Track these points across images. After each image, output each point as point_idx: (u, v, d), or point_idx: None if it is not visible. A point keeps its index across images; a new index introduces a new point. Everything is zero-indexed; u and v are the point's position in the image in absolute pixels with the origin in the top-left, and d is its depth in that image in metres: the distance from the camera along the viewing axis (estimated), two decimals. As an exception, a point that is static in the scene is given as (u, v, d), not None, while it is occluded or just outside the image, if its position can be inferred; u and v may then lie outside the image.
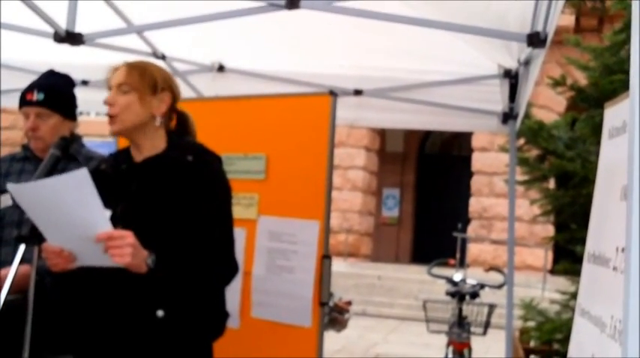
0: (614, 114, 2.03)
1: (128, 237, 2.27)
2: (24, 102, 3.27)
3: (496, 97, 4.95)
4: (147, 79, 2.60)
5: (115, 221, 2.32)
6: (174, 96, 2.70)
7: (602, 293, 1.89)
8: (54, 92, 3.29)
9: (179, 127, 2.78)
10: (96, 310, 2.57)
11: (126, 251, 2.25)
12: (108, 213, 2.30)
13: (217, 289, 2.67)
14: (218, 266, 2.56)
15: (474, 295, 6.34)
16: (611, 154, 2.02)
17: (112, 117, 2.57)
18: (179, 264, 2.42)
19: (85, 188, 2.20)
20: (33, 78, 3.42)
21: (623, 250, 1.69)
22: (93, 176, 2.25)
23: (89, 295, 2.59)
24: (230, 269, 2.60)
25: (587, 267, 2.12)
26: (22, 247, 2.54)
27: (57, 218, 2.30)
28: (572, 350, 2.17)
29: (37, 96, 3.23)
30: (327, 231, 3.86)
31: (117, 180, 2.62)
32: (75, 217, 2.27)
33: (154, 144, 2.64)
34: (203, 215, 2.52)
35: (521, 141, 6.72)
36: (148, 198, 2.54)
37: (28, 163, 3.33)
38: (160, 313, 2.47)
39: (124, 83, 2.57)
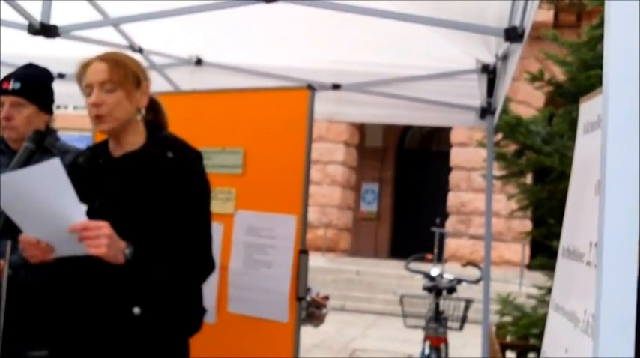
0: (589, 109, 2.04)
1: (104, 227, 2.26)
2: (0, 91, 3.24)
3: (474, 92, 4.97)
4: (131, 74, 2.56)
5: (92, 216, 2.30)
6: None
7: (576, 288, 1.90)
8: (31, 82, 3.26)
9: (153, 115, 2.75)
10: (72, 306, 2.55)
11: (102, 241, 2.24)
12: (84, 207, 2.29)
13: (194, 286, 2.66)
14: (195, 263, 2.55)
15: (451, 290, 6.37)
16: (586, 149, 2.03)
17: (100, 117, 2.52)
18: (157, 258, 2.41)
19: (57, 178, 2.19)
20: (9, 71, 3.39)
21: (596, 245, 1.69)
22: (70, 170, 2.23)
23: (66, 291, 2.57)
24: (207, 266, 2.61)
25: (561, 262, 2.13)
26: (-6, 242, 2.52)
27: (31, 209, 2.29)
28: (546, 344, 2.17)
29: (13, 85, 3.21)
30: (304, 225, 3.86)
31: (94, 174, 2.60)
32: (49, 208, 2.26)
33: (134, 138, 2.61)
34: (181, 212, 2.51)
35: (499, 136, 6.74)
36: (126, 194, 2.52)
37: (2, 156, 3.30)
38: (137, 310, 2.45)
39: (108, 81, 2.50)
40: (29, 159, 2.61)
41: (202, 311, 2.72)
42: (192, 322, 2.68)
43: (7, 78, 3.26)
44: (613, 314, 1.02)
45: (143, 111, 2.62)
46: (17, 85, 3.21)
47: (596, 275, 1.06)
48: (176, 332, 2.62)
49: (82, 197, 2.29)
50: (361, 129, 21.23)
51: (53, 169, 2.18)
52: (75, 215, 2.26)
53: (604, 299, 1.02)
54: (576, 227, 1.99)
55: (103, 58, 2.57)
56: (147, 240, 2.41)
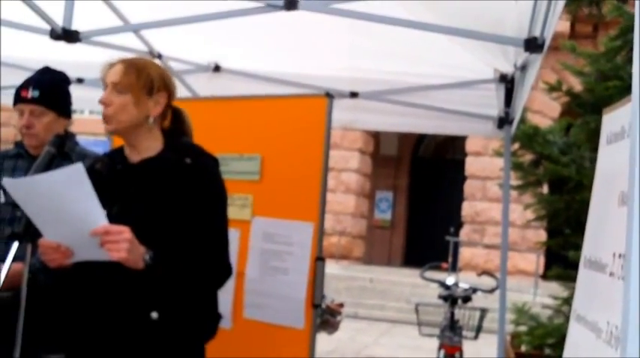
0: (612, 120, 2.03)
1: (125, 232, 2.27)
2: (19, 99, 3.24)
3: (492, 102, 4.95)
4: (143, 80, 2.55)
5: (111, 222, 2.31)
6: (170, 95, 2.66)
7: (599, 299, 1.89)
8: (49, 89, 3.26)
9: (174, 124, 2.76)
10: (90, 310, 2.55)
11: (122, 246, 2.25)
12: (105, 212, 2.30)
13: (211, 291, 2.66)
14: (212, 268, 2.56)
15: (467, 299, 6.36)
16: (609, 160, 2.02)
17: (106, 117, 2.54)
18: (175, 263, 2.42)
19: (80, 183, 2.21)
20: (29, 75, 3.39)
21: (620, 256, 1.68)
22: (88, 175, 2.24)
23: (84, 295, 2.57)
24: (224, 271, 2.61)
25: (583, 273, 2.12)
26: (15, 245, 2.52)
27: (53, 213, 2.30)
28: (567, 355, 2.16)
29: (32, 93, 3.20)
30: (321, 233, 3.86)
31: (112, 180, 2.61)
32: (71, 212, 2.27)
33: (150, 144, 2.61)
34: (198, 218, 2.51)
35: (516, 145, 6.72)
36: (144, 200, 2.53)
37: (22, 160, 3.31)
38: (154, 315, 2.46)
39: (120, 83, 2.52)
40: (50, 163, 2.62)
41: (218, 317, 2.72)
42: (208, 328, 2.69)
43: (25, 85, 3.24)
44: (640, 325, 1.01)
45: (151, 120, 2.60)
46: (36, 93, 3.20)
47: (622, 286, 1.05)
48: (192, 338, 2.62)
49: (101, 202, 2.30)
50: (376, 137, 21.23)
51: (76, 174, 2.20)
52: (96, 219, 2.27)
53: (632, 310, 1.01)
54: (599, 238, 1.98)
55: (125, 60, 2.60)
56: (164, 245, 2.42)
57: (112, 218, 2.34)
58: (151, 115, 2.59)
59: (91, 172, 2.53)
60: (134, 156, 2.63)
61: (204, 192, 2.56)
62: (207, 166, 2.63)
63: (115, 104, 2.52)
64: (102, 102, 2.53)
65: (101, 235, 2.26)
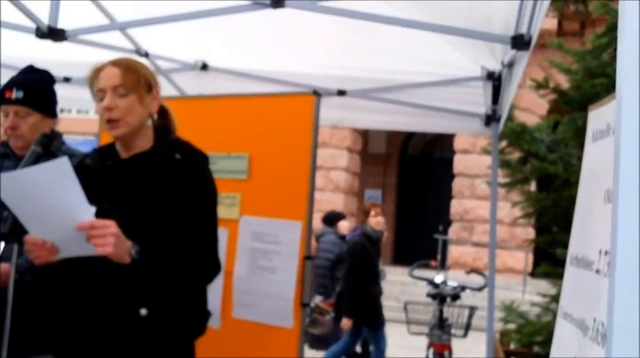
0: (598, 117, 2.03)
1: (111, 226, 2.27)
2: (2, 100, 3.20)
3: (479, 99, 4.96)
4: (143, 78, 2.57)
5: (101, 217, 2.30)
6: (159, 90, 2.69)
7: (585, 297, 1.89)
8: (34, 90, 3.21)
9: (163, 120, 2.76)
10: (79, 308, 2.55)
11: (108, 240, 2.25)
12: (93, 208, 2.29)
13: (199, 287, 2.66)
14: (201, 264, 2.57)
15: (455, 297, 6.38)
16: (595, 157, 2.02)
17: (113, 121, 2.52)
18: (163, 258, 2.42)
19: (66, 176, 2.20)
20: (14, 74, 3.36)
21: (606, 253, 1.69)
22: (77, 171, 2.23)
23: (72, 294, 2.57)
24: (213, 268, 2.62)
25: (569, 270, 2.12)
26: (1, 245, 2.51)
27: (39, 208, 2.29)
28: (554, 352, 2.16)
29: (16, 94, 3.15)
30: (309, 231, 3.85)
31: (102, 176, 2.60)
32: (57, 206, 2.26)
33: (144, 141, 2.62)
34: (189, 213, 2.52)
35: (504, 143, 6.73)
36: (134, 195, 2.53)
37: (8, 160, 3.28)
38: (143, 311, 2.46)
39: (121, 85, 2.51)
40: (36, 163, 2.60)
41: (207, 314, 2.72)
42: (197, 324, 2.69)
43: (9, 86, 3.19)
44: (626, 322, 1.01)
45: (155, 117, 2.64)
46: (20, 94, 3.16)
47: (608, 284, 1.05)
48: (182, 335, 2.62)
49: (91, 198, 2.29)
50: (364, 135, 21.23)
51: (61, 168, 2.19)
52: (82, 214, 2.26)
53: (617, 307, 1.01)
54: (585, 235, 1.98)
55: (116, 63, 2.58)
56: (154, 240, 2.42)
57: (102, 214, 2.34)
58: (153, 112, 2.62)
59: (81, 168, 2.53)
60: (125, 152, 2.63)
61: (194, 187, 2.56)
62: (197, 162, 2.65)
63: (120, 107, 2.51)
64: (107, 107, 2.50)
65: (87, 230, 2.26)
